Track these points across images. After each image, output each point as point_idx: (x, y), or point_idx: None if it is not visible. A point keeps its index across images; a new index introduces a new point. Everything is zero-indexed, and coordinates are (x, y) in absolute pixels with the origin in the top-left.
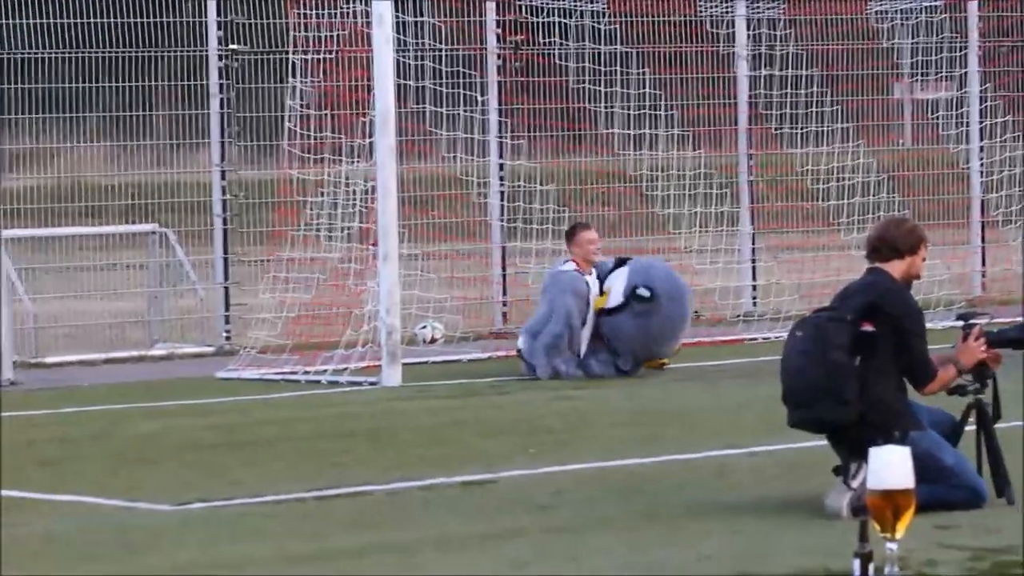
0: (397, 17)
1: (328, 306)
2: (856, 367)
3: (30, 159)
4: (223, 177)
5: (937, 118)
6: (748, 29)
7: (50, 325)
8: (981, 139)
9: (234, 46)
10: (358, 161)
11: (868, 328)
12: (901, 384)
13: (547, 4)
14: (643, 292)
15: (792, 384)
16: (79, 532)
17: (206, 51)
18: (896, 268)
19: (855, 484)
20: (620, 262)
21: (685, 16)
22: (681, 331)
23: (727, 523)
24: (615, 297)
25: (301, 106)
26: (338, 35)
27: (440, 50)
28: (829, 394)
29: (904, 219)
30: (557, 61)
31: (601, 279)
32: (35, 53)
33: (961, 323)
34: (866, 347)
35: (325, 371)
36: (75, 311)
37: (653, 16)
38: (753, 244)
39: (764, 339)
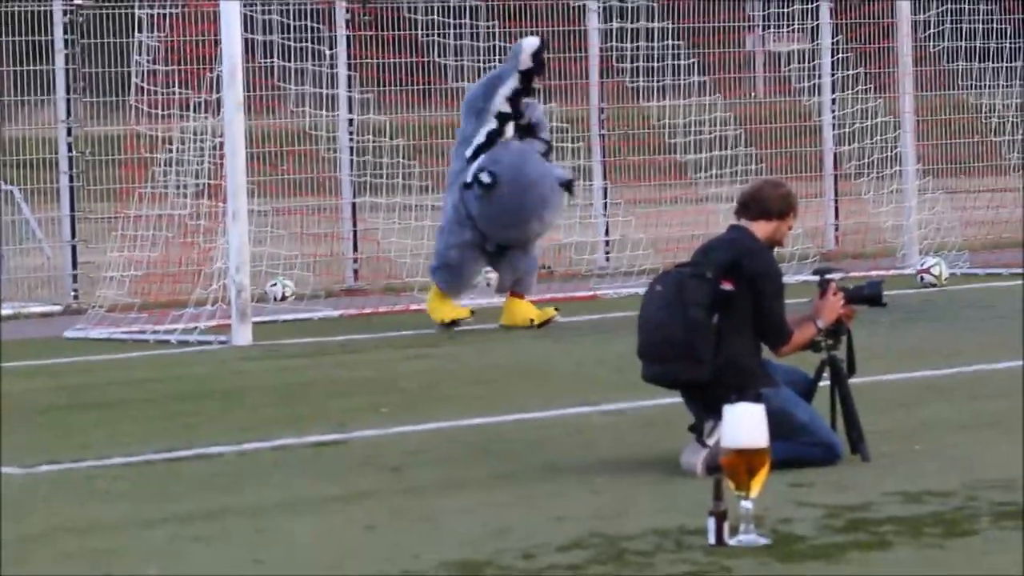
0: None
1: (177, 264)
2: (714, 325)
3: None
4: (69, 133)
5: (790, 71)
6: None
7: None
8: (833, 92)
9: (79, 1)
10: (206, 117)
11: (728, 286)
12: (756, 343)
13: None
14: (484, 178)
15: (649, 339)
16: None
17: (51, 5)
18: (761, 229)
19: (710, 442)
20: (524, 129)
21: None
22: (526, 222)
23: (582, 482)
24: (470, 172)
25: (148, 61)
26: None
27: (288, 3)
28: (686, 351)
29: (781, 183)
30: (406, 14)
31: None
32: None
33: (817, 278)
34: (725, 305)
35: (174, 330)
36: None
37: None
38: (606, 198)
39: (617, 294)
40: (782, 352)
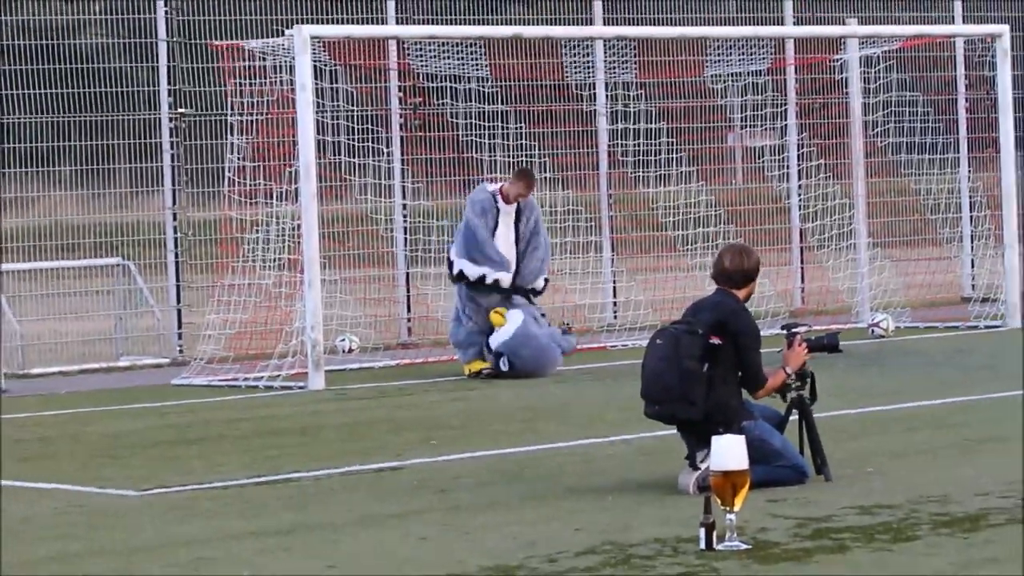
0: (316, 84)
1: (263, 324)
2: (704, 373)
3: (16, 205)
4: (174, 218)
5: (763, 162)
6: (607, 91)
7: (34, 342)
8: (799, 179)
9: (182, 110)
10: (286, 204)
11: (716, 341)
12: (739, 386)
13: (440, 71)
14: (503, 366)
15: (650, 384)
16: (57, 514)
17: (159, 114)
18: (742, 291)
19: (702, 467)
20: (526, 292)
21: (554, 80)
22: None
23: (596, 501)
24: (496, 339)
25: (238, 159)
26: (268, 100)
27: (352, 111)
28: (681, 395)
29: (749, 250)
30: (449, 118)
31: (522, 215)
32: (19, 118)
33: (785, 332)
34: (713, 357)
35: (261, 378)
36: (54, 330)
37: (528, 80)
38: (613, 267)
39: (623, 346)
40: (757, 395)
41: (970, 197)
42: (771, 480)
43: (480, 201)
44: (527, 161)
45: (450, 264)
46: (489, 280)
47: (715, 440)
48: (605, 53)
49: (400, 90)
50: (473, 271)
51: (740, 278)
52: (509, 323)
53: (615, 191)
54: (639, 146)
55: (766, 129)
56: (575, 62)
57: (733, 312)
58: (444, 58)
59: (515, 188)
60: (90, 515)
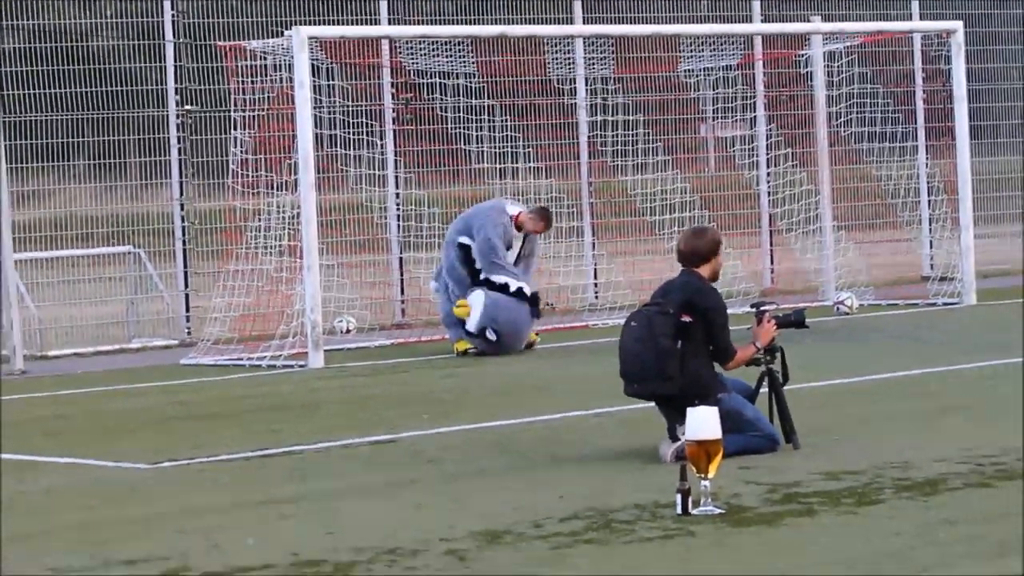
0: (314, 81)
1: (266, 306)
2: (678, 350)
3: (34, 198)
4: (182, 208)
5: (734, 151)
6: (587, 85)
7: (51, 326)
8: (767, 167)
9: (188, 107)
10: (286, 193)
11: (687, 319)
12: (711, 360)
13: (430, 68)
14: (491, 336)
15: (628, 364)
16: (74, 486)
17: (167, 111)
18: (705, 270)
19: (681, 438)
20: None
21: (537, 76)
22: (519, 347)
23: (579, 469)
24: (472, 322)
25: (241, 152)
26: (268, 96)
27: (348, 106)
28: (657, 372)
29: (703, 229)
30: (439, 112)
31: (526, 241)
32: (36, 116)
33: (754, 310)
34: (685, 334)
35: (264, 357)
36: (70, 314)
37: (512, 76)
38: (594, 251)
39: (604, 324)
40: (728, 367)
41: (928, 183)
42: (745, 448)
43: (504, 225)
44: (536, 202)
45: (480, 276)
46: (513, 288)
47: (690, 411)
48: (585, 50)
49: (392, 86)
50: (498, 279)
51: (697, 258)
52: (475, 304)
53: (595, 179)
54: (617, 137)
55: (736, 120)
56: (557, 59)
57: (699, 291)
58: (434, 56)
59: (535, 226)
60: (106, 487)
